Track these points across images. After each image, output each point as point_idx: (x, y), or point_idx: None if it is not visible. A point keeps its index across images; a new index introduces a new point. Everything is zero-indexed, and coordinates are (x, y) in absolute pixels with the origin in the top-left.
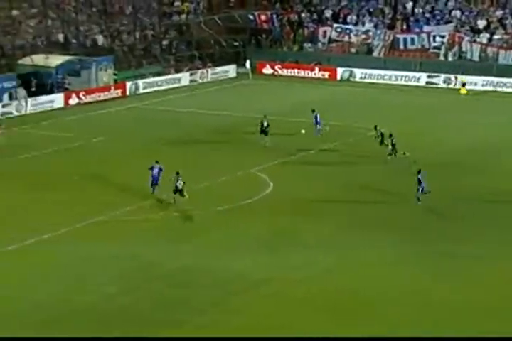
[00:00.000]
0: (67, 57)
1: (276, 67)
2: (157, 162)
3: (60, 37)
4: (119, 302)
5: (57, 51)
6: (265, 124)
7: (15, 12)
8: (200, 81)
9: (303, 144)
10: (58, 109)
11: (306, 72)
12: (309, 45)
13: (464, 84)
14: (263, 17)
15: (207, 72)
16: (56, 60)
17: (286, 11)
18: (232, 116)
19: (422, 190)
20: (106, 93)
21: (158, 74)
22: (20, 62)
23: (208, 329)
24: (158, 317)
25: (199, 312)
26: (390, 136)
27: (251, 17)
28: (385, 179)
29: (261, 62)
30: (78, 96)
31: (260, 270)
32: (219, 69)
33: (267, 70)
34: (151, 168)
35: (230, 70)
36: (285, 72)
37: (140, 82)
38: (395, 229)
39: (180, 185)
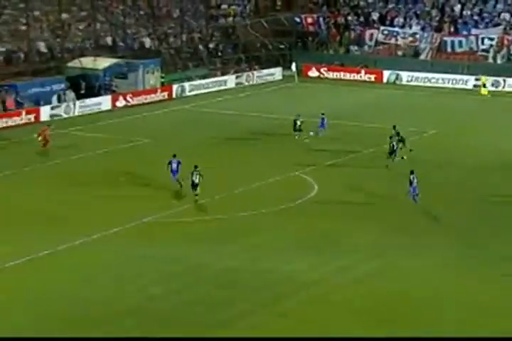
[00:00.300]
0: (114, 60)
1: (322, 70)
2: (174, 156)
3: (108, 40)
4: (166, 303)
5: (105, 54)
6: (298, 123)
7: (64, 15)
8: (246, 83)
9: (348, 147)
10: (106, 111)
11: (352, 74)
12: (356, 47)
13: (484, 85)
14: (309, 20)
15: (253, 74)
16: (104, 62)
17: (332, 14)
18: (278, 118)
19: (414, 191)
20: (152, 95)
21: (205, 76)
22: (69, 64)
23: (257, 330)
24: (207, 317)
25: (249, 313)
26: (391, 137)
27: (297, 20)
28: (430, 183)
29: (307, 64)
30: (125, 99)
31: (308, 272)
32: (265, 71)
33: (313, 73)
34: (170, 163)
35: (276, 73)
36: (331, 74)
37: (186, 85)
38: (438, 233)
39: (196, 179)
